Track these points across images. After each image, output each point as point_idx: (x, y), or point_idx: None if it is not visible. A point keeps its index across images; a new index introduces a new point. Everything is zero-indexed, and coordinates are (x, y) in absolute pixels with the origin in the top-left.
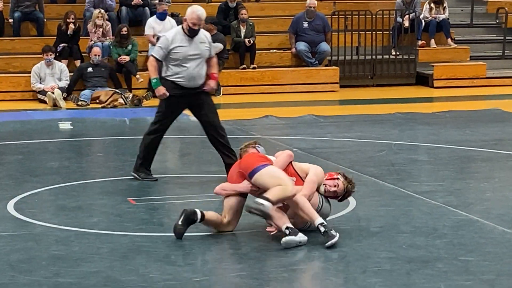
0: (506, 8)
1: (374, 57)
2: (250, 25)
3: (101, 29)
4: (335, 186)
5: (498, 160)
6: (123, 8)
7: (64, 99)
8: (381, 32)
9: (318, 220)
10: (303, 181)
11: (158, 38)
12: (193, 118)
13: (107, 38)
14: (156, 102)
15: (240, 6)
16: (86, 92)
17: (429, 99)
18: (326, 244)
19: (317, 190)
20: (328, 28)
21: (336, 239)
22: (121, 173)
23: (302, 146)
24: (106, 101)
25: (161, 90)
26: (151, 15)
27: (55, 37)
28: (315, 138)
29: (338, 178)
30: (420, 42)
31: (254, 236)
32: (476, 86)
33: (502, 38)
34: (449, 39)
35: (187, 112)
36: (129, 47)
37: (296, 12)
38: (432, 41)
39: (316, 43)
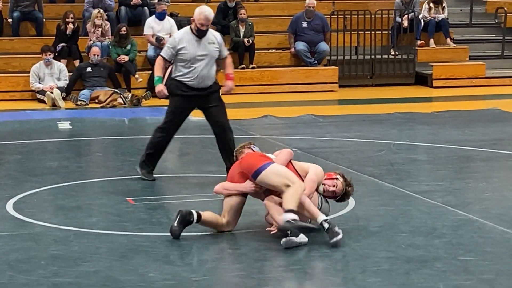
0: (505, 8)
1: (373, 57)
2: (249, 25)
3: (100, 29)
4: (334, 186)
5: (497, 160)
6: (122, 8)
7: (63, 99)
8: (380, 32)
9: (321, 217)
10: (303, 180)
11: (157, 38)
12: (192, 118)
13: (106, 38)
14: (155, 102)
15: (239, 6)
16: (85, 92)
17: (428, 99)
18: (331, 242)
19: (316, 189)
20: (327, 28)
21: (340, 236)
22: (120, 173)
23: (301, 145)
24: (105, 101)
25: (160, 88)
26: (150, 15)
27: (54, 37)
28: (314, 138)
29: (337, 178)
30: (419, 42)
31: (253, 236)
32: (475, 86)
33: (501, 38)
34: (448, 39)
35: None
36: (128, 47)
37: (295, 12)
38: (431, 41)
39: (315, 43)
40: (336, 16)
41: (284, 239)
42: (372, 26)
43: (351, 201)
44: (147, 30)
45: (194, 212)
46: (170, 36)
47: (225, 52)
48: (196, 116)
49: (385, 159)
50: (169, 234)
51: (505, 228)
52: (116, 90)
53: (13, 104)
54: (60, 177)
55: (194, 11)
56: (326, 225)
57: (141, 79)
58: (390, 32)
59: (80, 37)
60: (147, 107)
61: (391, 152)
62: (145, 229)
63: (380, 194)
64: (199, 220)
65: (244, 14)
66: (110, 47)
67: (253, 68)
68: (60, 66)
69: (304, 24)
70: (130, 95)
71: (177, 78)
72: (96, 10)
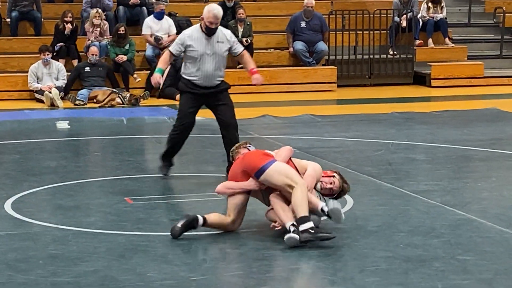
0: (503, 8)
1: (371, 56)
2: (248, 24)
3: (98, 29)
4: (331, 183)
5: (495, 159)
6: (121, 7)
7: (62, 98)
8: (378, 32)
9: (321, 204)
10: (302, 177)
11: (155, 38)
12: None
13: (105, 37)
14: (153, 101)
15: (238, 5)
16: (84, 91)
17: (427, 99)
18: (335, 221)
19: (314, 187)
20: (325, 28)
21: (342, 216)
22: (119, 172)
23: (300, 145)
24: (103, 100)
25: (155, 77)
26: (149, 14)
27: (53, 37)
28: (312, 137)
29: (334, 176)
30: (417, 42)
31: (251, 235)
32: (474, 86)
33: (500, 37)
34: (446, 39)
35: None
36: (127, 46)
37: (294, 12)
38: (430, 40)
39: (313, 42)
40: (334, 16)
41: (287, 236)
42: (371, 26)
43: (350, 201)
44: (145, 30)
45: (200, 217)
46: (168, 36)
47: (240, 48)
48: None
49: (383, 159)
50: (168, 233)
51: (504, 228)
52: (114, 90)
53: (11, 103)
54: (58, 177)
55: (203, 10)
56: (326, 209)
57: (140, 79)
58: (388, 31)
59: (78, 36)
60: (145, 107)
61: (389, 151)
62: (144, 228)
63: (378, 194)
64: (204, 223)
65: (242, 13)
66: (109, 46)
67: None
68: (59, 65)
69: (303, 24)
70: (128, 95)
71: (186, 77)
72: (95, 10)
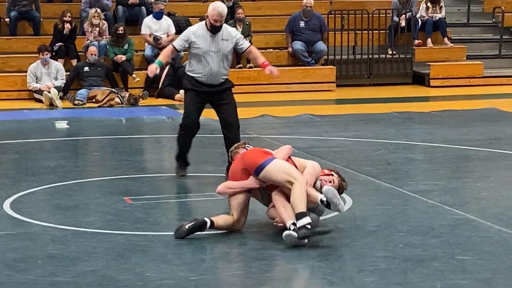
0: (502, 8)
1: (370, 56)
2: (247, 24)
3: (97, 28)
4: (330, 182)
5: (494, 159)
6: (120, 7)
7: (61, 98)
8: (377, 32)
9: (320, 196)
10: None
11: (154, 37)
12: None
13: (104, 37)
14: (152, 101)
15: (237, 5)
16: (83, 91)
17: (426, 98)
18: (335, 210)
19: (313, 185)
20: (324, 28)
21: (341, 204)
22: (118, 172)
23: (299, 145)
24: (102, 100)
25: (152, 67)
26: (148, 14)
27: (52, 37)
28: (311, 137)
29: (332, 175)
30: (416, 42)
31: (250, 235)
32: (473, 86)
33: (499, 37)
34: (445, 38)
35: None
36: (126, 46)
37: (293, 12)
38: (429, 40)
39: (312, 42)
40: (333, 16)
41: (285, 233)
42: (370, 26)
43: (349, 201)
44: (144, 30)
45: (208, 221)
46: (167, 36)
47: (246, 44)
48: None
49: (382, 159)
50: (167, 233)
51: (502, 228)
52: (113, 90)
53: (10, 103)
54: (57, 177)
55: (208, 8)
56: (324, 199)
57: (139, 79)
58: (387, 31)
59: (77, 36)
60: (144, 107)
61: (388, 151)
62: (143, 228)
63: (377, 194)
64: (211, 226)
65: (241, 13)
66: (108, 46)
67: (250, 67)
68: (57, 65)
69: (302, 24)
70: (127, 95)
71: (189, 74)
72: (93, 10)
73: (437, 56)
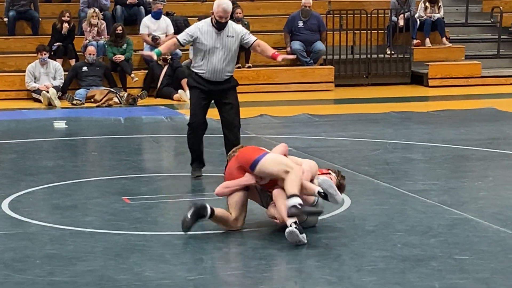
0: (501, 7)
1: (369, 56)
2: (245, 24)
3: (96, 28)
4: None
5: (492, 159)
6: (118, 7)
7: (59, 98)
8: (376, 31)
9: (317, 188)
10: None
11: (152, 37)
12: (188, 117)
13: (102, 37)
14: (151, 101)
15: (235, 5)
16: (81, 91)
17: (424, 98)
18: (331, 201)
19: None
20: (323, 27)
21: (338, 195)
22: (116, 172)
23: (297, 145)
24: (101, 100)
25: (150, 53)
26: (146, 14)
27: (50, 36)
28: (310, 137)
29: (330, 173)
30: (415, 41)
31: (249, 234)
32: (471, 85)
33: (497, 37)
34: (444, 38)
35: (183, 111)
36: (124, 46)
37: (291, 11)
38: (427, 40)
39: (311, 42)
40: (332, 16)
41: (288, 230)
42: (368, 26)
43: (347, 200)
44: (143, 29)
45: (208, 206)
46: (166, 36)
47: (252, 38)
48: None
49: (381, 158)
50: (166, 232)
51: (500, 227)
52: (112, 90)
53: (8, 103)
54: (55, 176)
55: (213, 4)
56: (322, 191)
57: (137, 79)
58: (386, 31)
59: (76, 36)
60: (143, 107)
61: (387, 151)
62: (141, 228)
63: (375, 193)
64: (212, 215)
65: (240, 13)
66: (106, 46)
67: (249, 67)
68: (56, 65)
69: (300, 24)
70: (126, 94)
71: (194, 70)
72: (92, 10)
73: (436, 56)
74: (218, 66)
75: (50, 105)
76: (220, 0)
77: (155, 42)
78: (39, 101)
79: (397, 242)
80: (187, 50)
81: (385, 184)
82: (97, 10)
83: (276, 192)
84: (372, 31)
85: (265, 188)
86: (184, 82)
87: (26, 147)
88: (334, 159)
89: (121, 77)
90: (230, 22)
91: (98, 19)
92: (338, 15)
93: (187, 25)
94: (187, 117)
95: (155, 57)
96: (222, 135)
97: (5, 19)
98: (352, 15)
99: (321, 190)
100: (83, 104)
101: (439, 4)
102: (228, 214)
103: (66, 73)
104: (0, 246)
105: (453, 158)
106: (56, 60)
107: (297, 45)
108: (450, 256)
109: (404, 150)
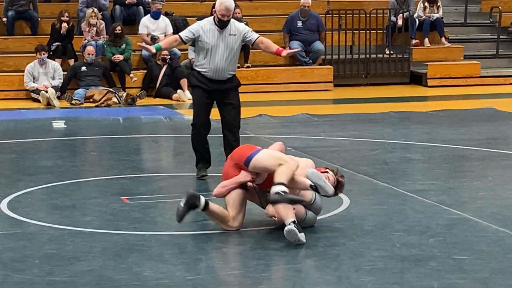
0: (500, 7)
1: (368, 56)
2: (244, 24)
3: (95, 28)
4: (326, 178)
5: (491, 159)
6: (117, 7)
7: (58, 98)
8: (375, 31)
9: (309, 182)
10: None
11: (151, 37)
12: (187, 117)
13: (101, 37)
14: (150, 101)
15: (234, 5)
16: (80, 91)
17: (423, 98)
18: (323, 195)
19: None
20: (322, 27)
21: (331, 189)
22: (115, 172)
23: (296, 145)
24: (99, 100)
25: (149, 47)
26: (145, 14)
27: (49, 36)
28: (308, 137)
29: (327, 172)
30: (414, 41)
31: (248, 234)
32: (470, 85)
33: (496, 37)
34: (443, 38)
35: (182, 111)
36: (123, 46)
37: (290, 11)
38: (426, 40)
39: (310, 42)
40: (331, 16)
41: (287, 228)
42: (367, 25)
43: (346, 200)
44: (142, 29)
45: (202, 197)
46: (165, 36)
47: (254, 36)
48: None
49: (379, 158)
50: (164, 232)
51: (499, 227)
52: (110, 89)
53: (7, 103)
54: (54, 176)
55: (215, 3)
56: (313, 184)
57: (136, 79)
58: (385, 31)
59: (75, 36)
60: (141, 106)
61: (386, 151)
62: (140, 228)
63: (374, 193)
64: (206, 207)
65: (238, 13)
66: (105, 46)
67: (248, 67)
68: (55, 65)
69: (299, 24)
70: (124, 94)
71: (197, 68)
72: (91, 9)
73: (435, 56)
74: (220, 64)
75: (49, 105)
76: None
77: (154, 42)
78: (38, 101)
79: (396, 242)
80: (186, 50)
81: (384, 184)
82: (96, 10)
83: None
84: (371, 31)
85: (263, 188)
86: (183, 82)
87: (25, 147)
88: (333, 159)
89: (120, 77)
90: (232, 20)
91: (97, 19)
92: (337, 15)
93: (186, 25)
94: (186, 117)
95: (153, 51)
96: (222, 135)
97: (4, 19)
98: (351, 15)
99: (312, 184)
100: (82, 104)
101: (438, 4)
102: (225, 212)
103: (65, 73)
104: None
105: (452, 158)
106: (55, 60)
107: (296, 45)
108: (449, 256)
109: (403, 150)
